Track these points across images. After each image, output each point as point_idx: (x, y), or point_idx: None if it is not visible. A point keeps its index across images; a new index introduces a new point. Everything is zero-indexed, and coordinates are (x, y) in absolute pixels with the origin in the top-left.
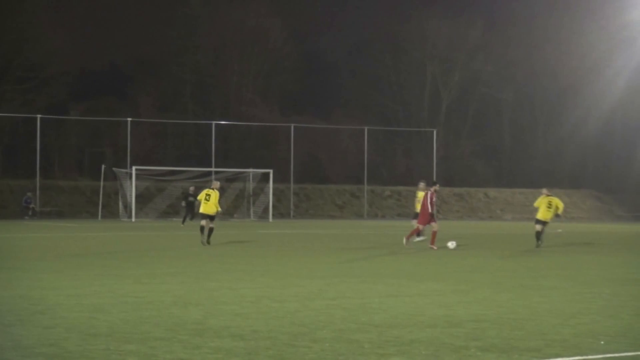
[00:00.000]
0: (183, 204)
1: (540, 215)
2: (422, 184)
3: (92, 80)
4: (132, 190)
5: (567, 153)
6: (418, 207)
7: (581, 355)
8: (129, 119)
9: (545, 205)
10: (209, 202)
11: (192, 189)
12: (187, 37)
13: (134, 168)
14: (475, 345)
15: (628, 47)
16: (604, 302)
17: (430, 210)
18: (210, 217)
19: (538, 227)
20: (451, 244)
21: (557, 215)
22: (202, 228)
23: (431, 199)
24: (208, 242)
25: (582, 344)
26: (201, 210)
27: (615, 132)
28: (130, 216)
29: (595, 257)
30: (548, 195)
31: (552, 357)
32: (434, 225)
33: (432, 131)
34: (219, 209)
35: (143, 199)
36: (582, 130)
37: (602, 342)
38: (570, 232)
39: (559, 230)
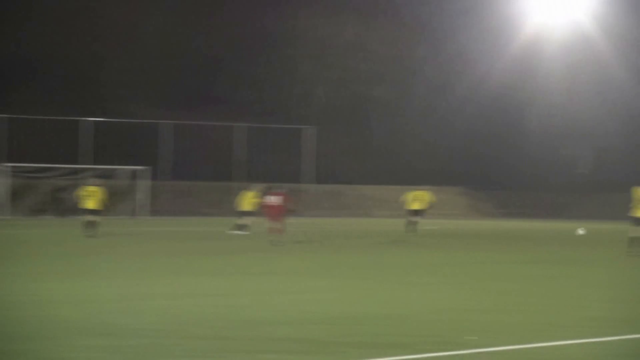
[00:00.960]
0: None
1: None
2: (260, 186)
3: None
4: (3, 187)
5: (439, 150)
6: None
7: (455, 350)
8: (3, 116)
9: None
10: (90, 198)
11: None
12: (60, 32)
13: (5, 165)
14: (349, 341)
15: (501, 44)
16: (476, 297)
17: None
18: (93, 212)
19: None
20: None
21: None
22: (88, 223)
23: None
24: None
25: (455, 339)
26: (85, 205)
27: (485, 129)
28: (2, 214)
29: (466, 254)
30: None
31: (425, 353)
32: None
33: (306, 128)
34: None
35: (15, 196)
36: (453, 127)
37: (474, 337)
38: (442, 228)
39: (434, 227)
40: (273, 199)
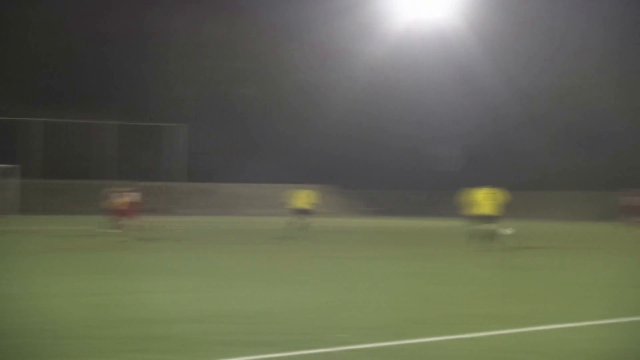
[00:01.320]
0: None
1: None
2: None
3: None
4: None
5: (312, 149)
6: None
7: (324, 347)
8: None
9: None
10: None
11: None
12: None
13: None
14: (217, 340)
15: (370, 43)
16: (345, 295)
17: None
18: None
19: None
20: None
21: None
22: None
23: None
24: None
25: (325, 337)
26: None
27: (357, 128)
28: None
29: (340, 252)
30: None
31: (295, 350)
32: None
33: (180, 126)
34: None
35: None
36: (324, 126)
37: (345, 335)
38: (319, 226)
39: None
40: (124, 198)
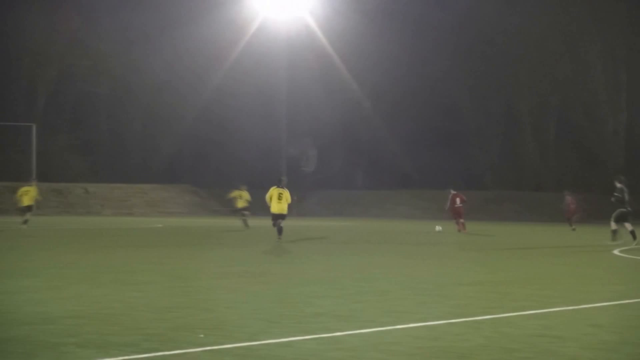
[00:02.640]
0: None
1: (274, 209)
2: None
3: None
4: None
5: (164, 148)
6: None
7: (180, 349)
8: None
9: (277, 197)
10: None
11: None
12: None
13: None
14: (71, 342)
15: (225, 44)
16: (199, 295)
17: None
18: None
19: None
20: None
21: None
22: None
23: None
24: None
25: (180, 338)
26: None
27: (209, 127)
28: None
29: (191, 251)
30: (278, 188)
31: (150, 352)
32: None
33: (30, 126)
34: None
35: None
36: (179, 125)
37: (201, 335)
38: (169, 227)
39: (159, 225)
40: None
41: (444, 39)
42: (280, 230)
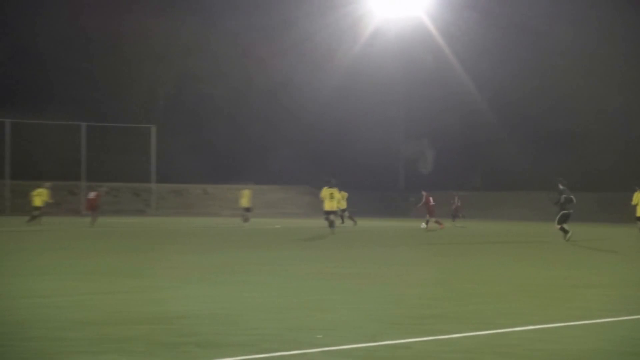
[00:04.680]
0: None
1: (326, 207)
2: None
3: None
4: None
5: (282, 149)
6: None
7: (299, 349)
8: None
9: (329, 197)
10: None
11: None
12: None
13: None
14: (191, 342)
15: (342, 42)
16: (317, 296)
17: None
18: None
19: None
20: None
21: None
22: None
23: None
24: None
25: (298, 338)
26: None
27: (327, 128)
28: None
29: (308, 253)
30: (329, 188)
31: (269, 352)
32: None
33: (149, 127)
34: None
35: None
36: (296, 126)
37: (319, 336)
38: (286, 227)
39: (277, 226)
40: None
41: (564, 38)
42: (332, 224)
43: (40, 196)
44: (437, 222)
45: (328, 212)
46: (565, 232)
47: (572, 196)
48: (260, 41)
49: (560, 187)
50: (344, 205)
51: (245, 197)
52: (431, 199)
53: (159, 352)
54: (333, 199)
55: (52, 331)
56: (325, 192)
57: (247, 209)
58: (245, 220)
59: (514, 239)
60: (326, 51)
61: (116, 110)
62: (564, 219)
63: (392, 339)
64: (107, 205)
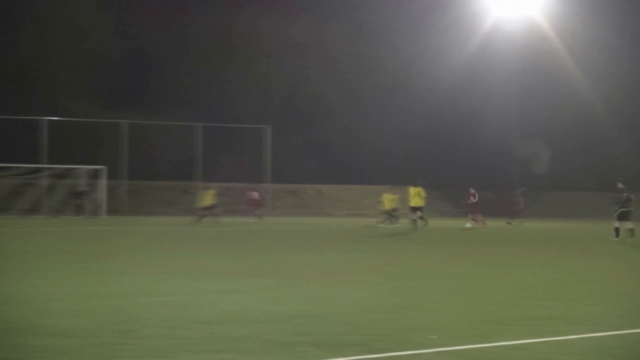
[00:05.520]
0: (78, 201)
1: (412, 204)
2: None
3: None
4: None
5: (396, 149)
6: None
7: (412, 349)
8: None
9: (413, 195)
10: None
11: (80, 188)
12: (8, 30)
13: None
14: (305, 341)
15: (456, 44)
16: (428, 296)
17: None
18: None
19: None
20: None
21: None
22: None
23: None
24: None
25: (412, 339)
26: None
27: (441, 129)
28: None
29: (420, 253)
30: (415, 187)
31: (383, 352)
32: None
33: (264, 128)
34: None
35: None
36: (409, 126)
37: (433, 337)
38: (397, 227)
39: (398, 225)
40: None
41: None
42: (414, 222)
43: (208, 197)
44: (474, 219)
45: (414, 209)
46: (618, 233)
47: (631, 195)
48: (374, 41)
49: (620, 186)
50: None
51: (209, 195)
52: (472, 197)
53: (274, 352)
54: (416, 197)
55: (168, 330)
56: (412, 191)
57: (209, 208)
58: (201, 219)
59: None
60: (440, 51)
61: (231, 111)
62: (623, 217)
63: (505, 340)
64: (223, 206)
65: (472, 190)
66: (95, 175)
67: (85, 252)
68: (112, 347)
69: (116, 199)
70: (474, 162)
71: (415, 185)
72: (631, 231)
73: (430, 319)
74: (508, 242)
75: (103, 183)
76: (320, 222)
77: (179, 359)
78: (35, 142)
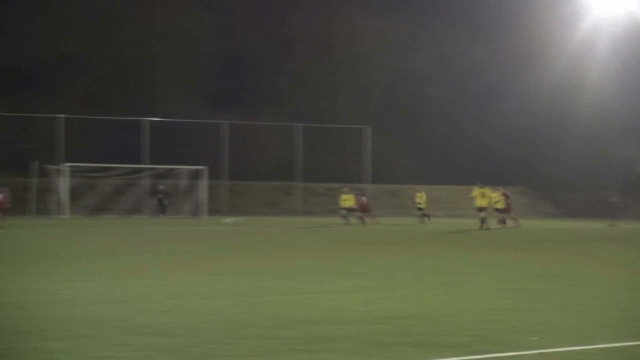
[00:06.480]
0: (154, 200)
1: (477, 204)
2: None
3: (15, 75)
4: (63, 186)
5: (495, 150)
6: None
7: (512, 351)
8: (62, 116)
9: (480, 196)
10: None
11: (161, 187)
12: (113, 32)
13: (65, 164)
14: (405, 342)
15: (556, 42)
16: (528, 297)
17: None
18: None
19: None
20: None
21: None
22: None
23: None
24: None
25: (512, 340)
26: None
27: (542, 128)
28: (62, 213)
29: (519, 253)
30: (481, 187)
31: (483, 354)
32: None
33: (364, 128)
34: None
35: (74, 195)
36: (510, 126)
37: (534, 338)
38: (498, 228)
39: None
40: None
41: None
42: (483, 221)
43: (349, 199)
44: (512, 218)
45: (480, 209)
46: None
47: None
48: (475, 40)
49: None
50: (492, 203)
51: (350, 198)
52: (506, 197)
53: (374, 352)
54: (483, 197)
55: (268, 329)
56: (477, 191)
57: (353, 209)
58: (348, 219)
59: None
60: (540, 50)
61: (331, 111)
62: None
63: (606, 342)
64: (323, 205)
65: (503, 190)
66: (196, 175)
67: (184, 252)
68: (212, 346)
69: (217, 199)
70: (574, 163)
71: (480, 186)
72: None
73: (530, 320)
74: (622, 243)
75: (204, 183)
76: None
77: (279, 358)
78: (137, 143)
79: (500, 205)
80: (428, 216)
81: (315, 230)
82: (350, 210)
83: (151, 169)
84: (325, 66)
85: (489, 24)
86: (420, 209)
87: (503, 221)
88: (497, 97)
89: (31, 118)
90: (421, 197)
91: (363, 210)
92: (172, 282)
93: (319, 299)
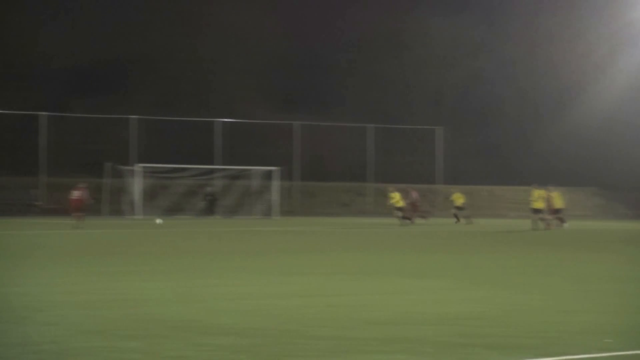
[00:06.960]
0: (203, 202)
1: (533, 205)
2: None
3: (89, 77)
4: (137, 187)
5: (569, 150)
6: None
7: (586, 353)
8: (135, 117)
9: (537, 197)
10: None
11: (209, 189)
12: (186, 34)
13: (138, 165)
14: (478, 343)
15: (631, 45)
16: (604, 299)
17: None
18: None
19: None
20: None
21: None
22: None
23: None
24: None
25: (586, 342)
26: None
27: (616, 130)
28: (134, 213)
29: (594, 255)
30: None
31: (556, 355)
32: None
33: (436, 129)
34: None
35: (146, 196)
36: (584, 127)
37: (610, 340)
38: (572, 229)
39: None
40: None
41: None
42: (536, 223)
43: (459, 198)
44: (559, 219)
45: (535, 210)
46: None
47: None
48: (547, 43)
49: None
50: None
51: (460, 196)
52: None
53: (447, 353)
54: (542, 200)
55: (341, 330)
56: (536, 193)
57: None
58: (458, 218)
59: None
60: (614, 51)
61: (403, 112)
62: None
63: None
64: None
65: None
66: (268, 176)
67: (255, 253)
68: (286, 346)
69: (289, 200)
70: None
71: (538, 187)
72: None
73: (604, 322)
74: None
75: (276, 184)
76: (492, 223)
77: (354, 359)
78: (209, 144)
79: (559, 206)
80: (458, 218)
81: (384, 230)
82: (399, 209)
83: (224, 169)
84: (397, 67)
85: (563, 26)
86: (460, 209)
87: (562, 220)
88: (571, 98)
89: (105, 119)
90: (458, 198)
91: (414, 209)
92: (244, 282)
93: (391, 299)
